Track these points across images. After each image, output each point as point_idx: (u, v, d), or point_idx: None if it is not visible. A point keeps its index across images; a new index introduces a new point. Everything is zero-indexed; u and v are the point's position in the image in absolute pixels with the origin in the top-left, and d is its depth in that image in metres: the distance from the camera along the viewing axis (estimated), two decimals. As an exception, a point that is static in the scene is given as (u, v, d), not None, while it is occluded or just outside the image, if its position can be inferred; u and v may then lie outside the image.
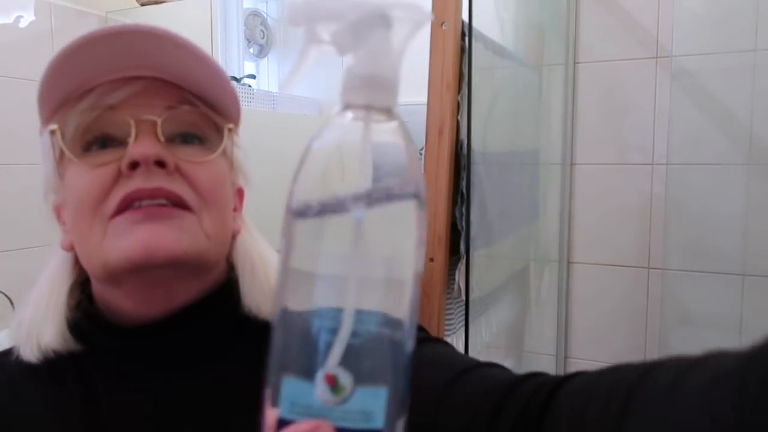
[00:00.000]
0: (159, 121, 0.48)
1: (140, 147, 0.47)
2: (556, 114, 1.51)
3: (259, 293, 0.55)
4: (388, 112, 0.29)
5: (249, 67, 2.14)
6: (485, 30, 1.06)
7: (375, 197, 0.27)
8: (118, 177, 0.48)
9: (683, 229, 1.42)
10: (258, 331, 0.53)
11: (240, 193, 0.59)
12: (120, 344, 0.51)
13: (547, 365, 1.56)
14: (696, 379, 0.30)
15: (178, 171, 0.49)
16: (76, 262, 0.54)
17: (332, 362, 0.25)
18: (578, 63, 1.49)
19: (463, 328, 1.04)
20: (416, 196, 0.29)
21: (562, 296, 1.55)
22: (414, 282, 0.28)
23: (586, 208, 1.52)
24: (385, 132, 0.29)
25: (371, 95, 0.28)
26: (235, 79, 1.92)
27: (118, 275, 0.48)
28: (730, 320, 1.38)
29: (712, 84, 1.37)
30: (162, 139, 0.48)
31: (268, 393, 0.27)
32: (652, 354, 1.47)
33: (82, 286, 0.55)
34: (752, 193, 1.35)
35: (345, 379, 0.25)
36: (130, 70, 0.49)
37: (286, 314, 0.27)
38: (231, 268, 0.56)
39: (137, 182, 0.47)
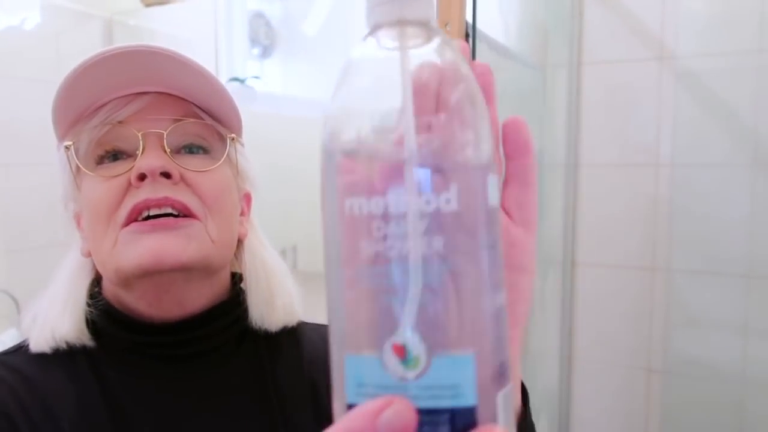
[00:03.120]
0: (165, 134, 0.52)
1: (147, 159, 0.50)
2: (560, 115, 1.51)
3: (263, 304, 0.59)
4: (426, 27, 0.23)
5: (252, 68, 2.14)
6: (489, 31, 1.06)
7: (426, 147, 0.22)
8: (128, 187, 0.51)
9: (688, 231, 1.41)
10: (259, 340, 0.59)
11: (247, 198, 0.62)
12: (135, 341, 0.54)
13: (551, 367, 1.56)
14: None
15: (184, 180, 0.52)
16: (94, 266, 0.58)
17: (400, 328, 0.20)
18: (582, 64, 1.48)
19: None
20: (475, 122, 0.23)
21: (566, 298, 1.54)
22: (489, 219, 0.22)
23: (591, 209, 1.51)
24: (427, 56, 0.23)
25: (402, 7, 0.23)
26: (238, 80, 1.92)
27: (130, 279, 0.51)
28: (735, 322, 1.38)
29: (716, 85, 1.37)
30: (168, 150, 0.52)
31: (333, 385, 0.23)
32: (657, 355, 1.46)
33: (95, 285, 0.57)
34: (757, 194, 1.35)
35: (417, 347, 0.20)
36: (138, 85, 0.53)
37: (335, 279, 0.23)
38: (239, 277, 0.60)
39: (145, 192, 0.50)
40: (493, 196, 0.23)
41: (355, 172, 0.22)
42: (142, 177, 0.50)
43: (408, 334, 0.20)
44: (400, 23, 0.23)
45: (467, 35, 0.99)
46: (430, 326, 0.20)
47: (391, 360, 0.20)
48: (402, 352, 0.20)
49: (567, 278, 1.54)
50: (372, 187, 0.22)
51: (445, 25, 0.96)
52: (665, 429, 1.46)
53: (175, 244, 0.49)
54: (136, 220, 0.50)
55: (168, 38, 2.03)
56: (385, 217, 0.21)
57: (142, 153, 0.51)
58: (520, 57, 1.39)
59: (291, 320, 0.61)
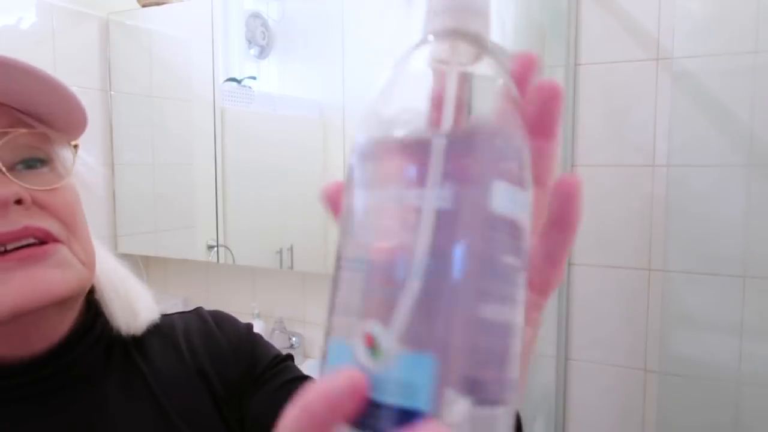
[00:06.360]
0: None
1: None
2: (556, 115, 1.51)
3: (127, 312, 0.54)
4: (479, 44, 0.23)
5: (249, 69, 2.14)
6: (486, 31, 1.06)
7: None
8: None
9: (684, 231, 1.42)
10: (128, 347, 0.55)
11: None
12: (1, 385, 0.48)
13: (548, 367, 1.56)
14: None
15: (36, 203, 0.46)
16: None
17: (371, 316, 0.21)
18: (579, 65, 1.49)
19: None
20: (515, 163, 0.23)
21: (562, 298, 1.55)
22: (488, 227, 0.22)
23: (587, 209, 1.49)
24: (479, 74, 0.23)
25: (459, 20, 0.23)
26: (235, 80, 1.92)
27: None
28: (730, 322, 1.38)
29: (712, 85, 1.37)
30: (4, 169, 0.44)
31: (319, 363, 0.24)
32: (653, 355, 1.47)
33: None
34: (753, 194, 1.35)
35: (386, 338, 0.20)
36: None
37: (337, 266, 0.24)
38: (90, 289, 0.54)
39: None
40: (502, 204, 0.22)
41: (377, 163, 0.23)
42: None
43: (378, 324, 0.21)
44: (454, 35, 0.23)
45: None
46: (401, 321, 0.20)
47: (360, 348, 0.21)
48: (370, 340, 0.21)
49: (563, 278, 1.54)
50: (391, 177, 0.22)
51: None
52: (661, 429, 1.46)
53: (50, 278, 0.44)
54: None
55: (164, 38, 2.02)
56: (396, 206, 0.22)
57: None
58: (517, 58, 1.39)
59: (154, 317, 0.57)
